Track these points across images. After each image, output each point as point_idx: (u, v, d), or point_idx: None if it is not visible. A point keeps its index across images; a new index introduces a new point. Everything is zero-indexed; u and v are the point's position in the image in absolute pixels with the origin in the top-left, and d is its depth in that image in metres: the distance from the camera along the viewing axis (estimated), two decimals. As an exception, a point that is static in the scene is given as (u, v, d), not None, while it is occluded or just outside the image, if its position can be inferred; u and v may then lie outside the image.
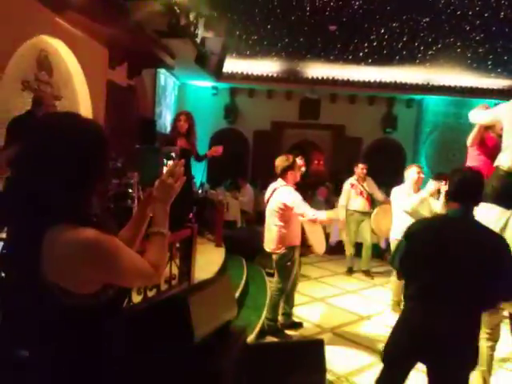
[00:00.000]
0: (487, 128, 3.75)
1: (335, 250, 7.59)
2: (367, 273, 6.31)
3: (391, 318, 4.63)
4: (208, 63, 7.34)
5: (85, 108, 5.64)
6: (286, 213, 3.75)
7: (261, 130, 11.23)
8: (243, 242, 6.52)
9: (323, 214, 3.67)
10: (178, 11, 5.86)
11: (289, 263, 3.77)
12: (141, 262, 1.28)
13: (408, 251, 2.17)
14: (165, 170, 1.66)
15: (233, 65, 10.02)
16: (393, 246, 4.72)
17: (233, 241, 6.32)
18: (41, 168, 1.14)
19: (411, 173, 4.68)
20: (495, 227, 2.85)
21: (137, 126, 7.98)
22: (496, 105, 3.74)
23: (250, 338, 3.53)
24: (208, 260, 4.76)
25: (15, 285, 1.20)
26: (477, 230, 2.12)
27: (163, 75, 9.33)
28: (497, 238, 2.13)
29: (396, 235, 4.63)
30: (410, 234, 2.19)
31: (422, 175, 4.66)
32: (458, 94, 10.35)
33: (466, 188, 2.13)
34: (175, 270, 3.45)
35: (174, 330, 2.31)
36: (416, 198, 4.30)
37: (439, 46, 8.31)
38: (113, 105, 6.09)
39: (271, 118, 11.23)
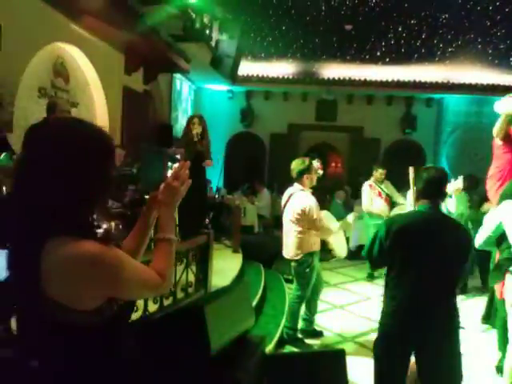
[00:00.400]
0: (510, 123, 3.58)
1: (355, 255, 7.43)
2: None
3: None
4: (223, 66, 7.30)
5: (101, 115, 5.63)
6: (304, 218, 3.65)
7: (277, 132, 11.15)
8: (261, 248, 6.43)
9: (334, 226, 3.66)
10: (192, 15, 5.84)
11: (307, 270, 3.66)
12: (147, 272, 1.21)
13: (395, 245, 2.24)
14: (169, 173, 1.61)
15: (248, 67, 9.96)
16: None
17: (250, 246, 6.22)
18: (40, 177, 1.07)
19: None
20: None
21: (154, 131, 8.02)
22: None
23: (269, 348, 3.43)
24: (225, 266, 4.68)
25: (19, 299, 1.15)
26: (448, 222, 2.38)
27: (179, 80, 9.34)
28: (462, 228, 2.43)
29: None
30: (397, 229, 2.26)
31: None
32: (479, 92, 10.04)
33: (434, 186, 2.32)
34: (192, 278, 3.38)
35: (190, 340, 2.24)
36: None
37: (459, 42, 8.13)
38: (129, 111, 6.09)
39: (288, 120, 11.13)
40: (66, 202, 1.08)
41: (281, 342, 3.78)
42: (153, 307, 2.91)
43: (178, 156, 4.43)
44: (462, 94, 10.29)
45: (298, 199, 3.66)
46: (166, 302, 3.01)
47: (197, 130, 4.81)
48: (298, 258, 3.66)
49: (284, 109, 11.15)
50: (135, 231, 1.45)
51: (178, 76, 9.07)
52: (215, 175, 10.78)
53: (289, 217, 3.72)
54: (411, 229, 2.28)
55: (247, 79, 10.30)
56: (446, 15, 6.74)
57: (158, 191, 1.37)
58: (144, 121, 6.88)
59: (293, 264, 3.74)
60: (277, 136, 11.18)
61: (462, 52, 8.60)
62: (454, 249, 2.25)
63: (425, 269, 2.20)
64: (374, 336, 4.16)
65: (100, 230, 1.17)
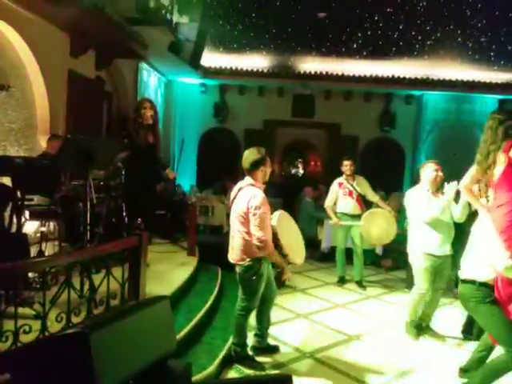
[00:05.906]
0: None
1: (327, 257, 6.97)
2: (360, 283, 5.67)
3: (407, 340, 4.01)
4: (184, 52, 6.75)
5: (41, 100, 5.06)
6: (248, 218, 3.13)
7: (252, 128, 10.66)
8: (224, 249, 5.89)
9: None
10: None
11: (254, 277, 3.13)
12: None
13: None
14: None
15: (220, 59, 9.48)
16: (415, 261, 3.93)
17: (212, 247, 5.72)
18: None
19: (427, 171, 3.89)
20: None
21: (114, 123, 7.44)
22: (500, 101, 3.09)
23: (209, 370, 2.92)
24: (173, 272, 4.15)
25: None
26: None
27: (146, 71, 8.75)
28: None
29: (416, 248, 3.89)
30: None
31: (440, 173, 3.86)
32: (459, 89, 9.72)
33: None
34: (115, 287, 2.84)
35: (71, 376, 1.71)
36: (436, 210, 3.68)
37: (438, 35, 7.76)
38: (76, 97, 5.50)
39: (263, 116, 10.64)
40: None
41: (228, 361, 3.27)
42: (57, 326, 2.37)
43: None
44: (442, 91, 9.96)
45: (246, 195, 3.14)
46: (76, 319, 2.47)
47: (150, 112, 4.38)
48: (244, 263, 3.15)
49: (259, 104, 10.65)
50: None
51: (144, 66, 8.49)
52: (188, 173, 10.34)
53: (235, 215, 3.21)
54: None
55: (220, 72, 9.79)
56: (424, 2, 6.33)
57: None
58: (96, 109, 6.30)
59: (238, 269, 3.22)
60: (252, 132, 10.67)
61: (441, 45, 8.25)
62: None
63: None
64: (336, 351, 3.71)
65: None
